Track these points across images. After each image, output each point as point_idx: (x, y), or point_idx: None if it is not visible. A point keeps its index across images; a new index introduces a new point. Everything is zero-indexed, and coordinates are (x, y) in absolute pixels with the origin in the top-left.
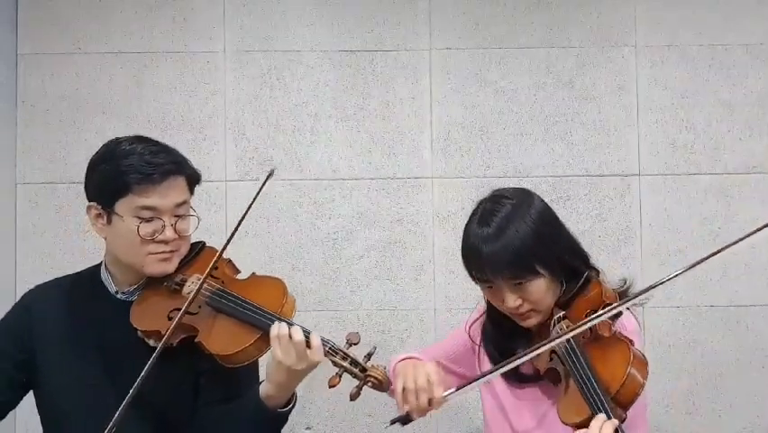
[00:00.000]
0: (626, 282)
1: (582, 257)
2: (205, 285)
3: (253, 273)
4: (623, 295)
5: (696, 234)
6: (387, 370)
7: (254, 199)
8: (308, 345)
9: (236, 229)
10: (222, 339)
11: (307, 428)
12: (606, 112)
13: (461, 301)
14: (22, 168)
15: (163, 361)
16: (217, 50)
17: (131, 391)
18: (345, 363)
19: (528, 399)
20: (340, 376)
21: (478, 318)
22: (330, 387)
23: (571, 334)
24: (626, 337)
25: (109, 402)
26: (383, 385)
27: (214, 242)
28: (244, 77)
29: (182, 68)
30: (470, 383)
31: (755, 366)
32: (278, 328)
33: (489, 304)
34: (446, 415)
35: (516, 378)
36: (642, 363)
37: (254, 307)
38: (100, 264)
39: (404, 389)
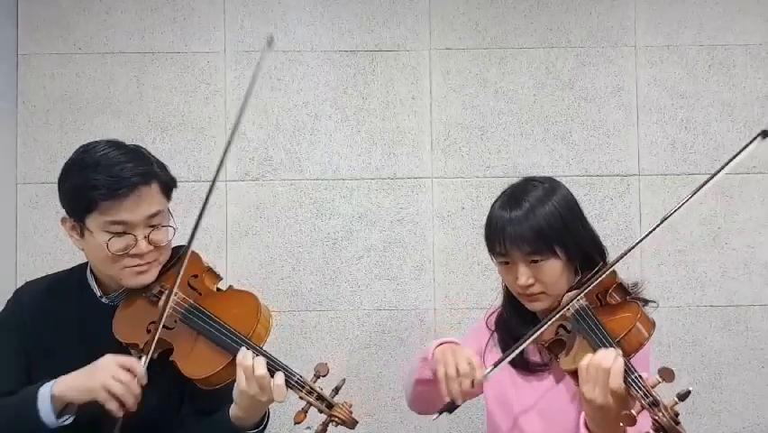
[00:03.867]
0: (637, 285)
1: (600, 249)
2: (180, 298)
3: (230, 286)
4: (635, 293)
5: (696, 234)
6: (352, 409)
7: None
8: (273, 376)
9: (200, 218)
10: (194, 362)
11: (307, 428)
12: (605, 112)
13: (461, 301)
14: (23, 168)
15: (148, 370)
16: (217, 51)
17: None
18: (311, 399)
19: (533, 391)
20: (305, 411)
21: (495, 311)
22: (295, 423)
23: (581, 296)
24: (635, 299)
25: (93, 405)
26: (347, 424)
27: (213, 243)
28: (244, 77)
29: (182, 68)
30: (504, 358)
31: (755, 366)
32: (242, 357)
33: (505, 291)
34: (446, 415)
35: (524, 366)
36: (648, 321)
37: (225, 328)
38: (87, 264)
39: (446, 376)
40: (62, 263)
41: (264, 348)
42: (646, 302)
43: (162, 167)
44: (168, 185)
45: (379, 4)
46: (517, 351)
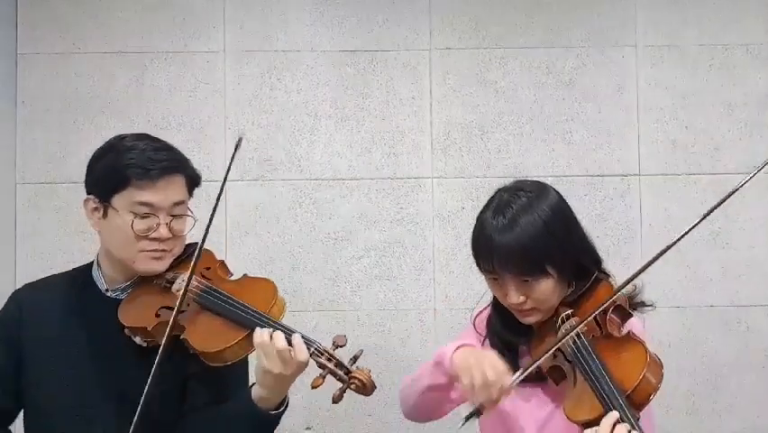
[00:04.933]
0: (635, 288)
1: (594, 258)
2: (195, 283)
3: (245, 275)
4: (632, 299)
5: (696, 234)
6: (372, 374)
7: (227, 173)
8: (290, 344)
9: (211, 219)
10: (206, 336)
11: (307, 428)
12: (606, 112)
13: (462, 301)
14: (22, 168)
15: (151, 361)
16: (217, 50)
17: (140, 405)
18: (330, 365)
19: (528, 402)
20: (324, 377)
21: (483, 310)
22: (313, 387)
23: (580, 326)
24: (640, 339)
25: (94, 402)
26: (367, 389)
27: (213, 241)
28: (244, 77)
29: (182, 68)
30: (533, 364)
31: (755, 366)
32: (260, 336)
33: (494, 297)
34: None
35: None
36: (657, 366)
37: (242, 305)
38: (92, 262)
39: (474, 386)
40: (62, 263)
41: None
42: (644, 305)
43: (189, 162)
44: (193, 180)
45: (379, 4)
46: (541, 360)
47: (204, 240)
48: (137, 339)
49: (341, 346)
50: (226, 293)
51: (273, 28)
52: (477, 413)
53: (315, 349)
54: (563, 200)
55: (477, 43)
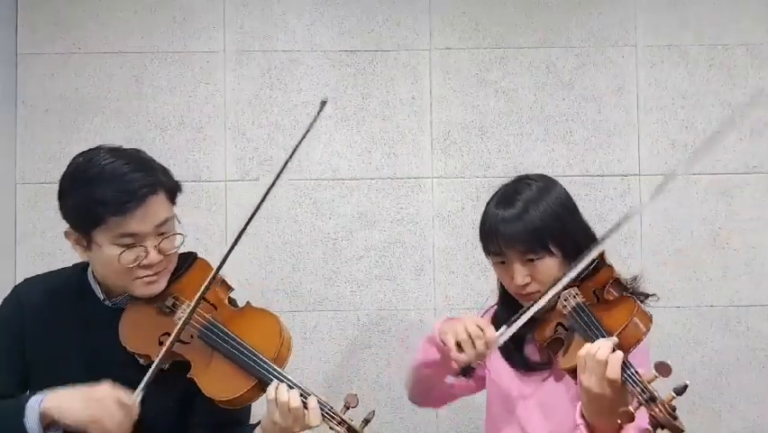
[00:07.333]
0: (636, 279)
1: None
2: (196, 312)
3: (248, 303)
4: (633, 288)
5: (696, 234)
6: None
7: (305, 134)
8: (305, 406)
9: (235, 243)
10: (215, 383)
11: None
12: (606, 112)
13: (462, 301)
14: (22, 168)
15: (155, 378)
16: (217, 50)
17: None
18: (341, 429)
19: (534, 389)
20: None
21: (489, 309)
22: None
23: (568, 279)
24: (632, 295)
25: None
26: None
27: (213, 243)
28: (244, 77)
29: (182, 68)
30: (519, 317)
31: (755, 366)
32: (275, 392)
33: (501, 289)
34: (446, 415)
35: (524, 365)
36: (645, 316)
37: (249, 351)
38: (88, 266)
39: (459, 341)
40: (62, 263)
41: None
42: (646, 296)
43: (166, 172)
44: (173, 191)
45: (379, 4)
46: (526, 317)
47: (214, 276)
48: (141, 360)
49: (352, 408)
50: (232, 334)
51: (273, 28)
52: (466, 370)
53: (328, 412)
54: (567, 191)
55: (477, 43)
